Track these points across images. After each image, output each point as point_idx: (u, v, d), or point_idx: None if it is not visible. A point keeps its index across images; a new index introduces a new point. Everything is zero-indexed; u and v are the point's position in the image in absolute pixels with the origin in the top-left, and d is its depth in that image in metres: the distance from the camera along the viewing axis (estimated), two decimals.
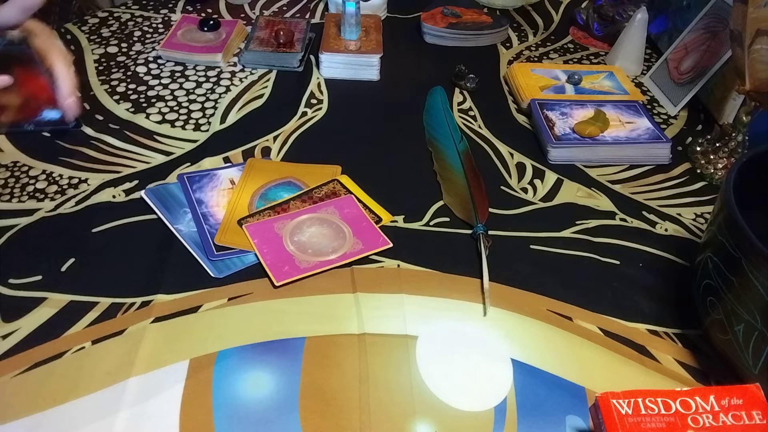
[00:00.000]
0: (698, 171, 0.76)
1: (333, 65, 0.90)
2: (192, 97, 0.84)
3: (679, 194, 0.73)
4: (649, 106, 0.88)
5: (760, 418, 0.42)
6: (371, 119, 0.83)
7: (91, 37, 0.96)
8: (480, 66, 0.94)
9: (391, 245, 0.62)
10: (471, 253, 0.63)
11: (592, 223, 0.68)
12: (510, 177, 0.74)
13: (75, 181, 0.69)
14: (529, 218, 0.68)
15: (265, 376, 0.50)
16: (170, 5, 1.07)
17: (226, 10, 1.07)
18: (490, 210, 0.68)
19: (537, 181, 0.73)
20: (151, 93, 0.84)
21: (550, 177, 0.74)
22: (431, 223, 0.66)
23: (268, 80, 0.89)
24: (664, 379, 0.52)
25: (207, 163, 0.72)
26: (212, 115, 0.81)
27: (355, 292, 0.58)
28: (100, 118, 0.79)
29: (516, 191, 0.72)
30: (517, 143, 0.79)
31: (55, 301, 0.55)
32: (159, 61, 0.91)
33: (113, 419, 0.46)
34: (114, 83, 0.86)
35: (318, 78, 0.90)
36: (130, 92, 0.84)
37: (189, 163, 0.72)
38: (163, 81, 0.87)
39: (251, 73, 0.90)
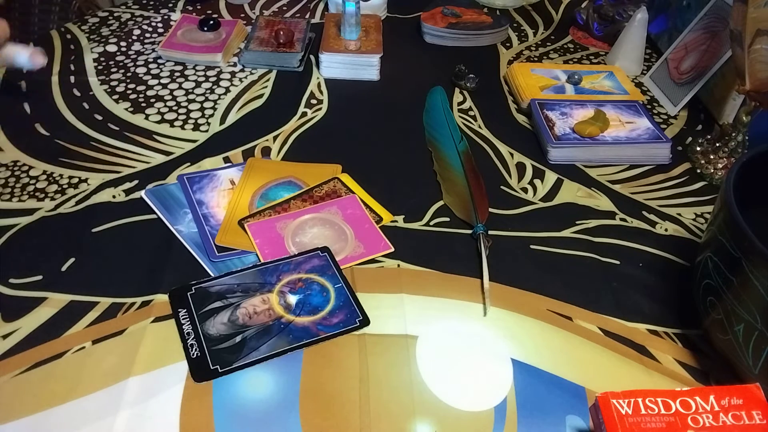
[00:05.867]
0: (698, 171, 0.76)
1: (333, 65, 0.90)
2: (191, 96, 0.84)
3: (679, 194, 0.73)
4: (649, 106, 0.88)
5: (760, 418, 0.42)
6: (371, 119, 0.83)
7: (91, 37, 0.96)
8: (480, 66, 0.94)
9: (392, 249, 0.62)
10: (471, 253, 0.63)
11: (592, 223, 0.68)
12: (510, 177, 0.74)
13: (75, 180, 0.69)
14: (529, 218, 0.68)
15: (265, 376, 0.50)
16: (170, 5, 1.07)
17: (226, 10, 1.07)
18: (490, 210, 0.68)
19: (537, 181, 0.73)
20: (150, 93, 0.84)
21: (550, 177, 0.74)
22: (431, 223, 0.66)
23: (268, 80, 0.89)
24: (664, 379, 0.52)
25: (207, 163, 0.72)
26: (212, 115, 0.81)
27: (355, 291, 0.58)
28: (100, 118, 0.79)
29: (516, 191, 0.72)
30: (517, 143, 0.79)
31: (56, 301, 0.55)
32: (159, 60, 0.91)
33: (113, 419, 0.46)
34: (113, 83, 0.85)
35: (318, 78, 0.90)
36: (129, 92, 0.84)
37: (189, 163, 0.72)
38: (163, 81, 0.87)
39: (251, 73, 0.90)
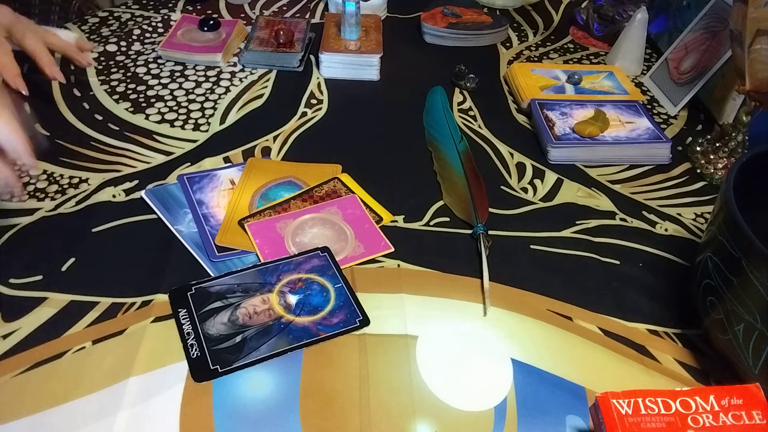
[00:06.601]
0: (698, 171, 0.76)
1: (333, 65, 0.90)
2: (191, 96, 0.84)
3: (679, 194, 0.73)
4: (649, 106, 0.88)
5: (760, 418, 0.42)
6: (371, 119, 0.83)
7: (91, 37, 0.96)
8: (480, 66, 0.94)
9: (392, 249, 0.62)
10: (471, 253, 0.63)
11: (592, 223, 0.68)
12: (510, 177, 0.74)
13: (75, 180, 0.69)
14: (529, 218, 0.68)
15: (265, 376, 0.50)
16: (170, 5, 1.07)
17: (226, 10, 1.07)
18: (490, 210, 0.68)
19: (537, 181, 0.73)
20: (150, 93, 0.84)
21: (550, 177, 0.74)
22: (431, 223, 0.66)
23: (268, 80, 0.89)
24: (664, 379, 0.52)
25: (207, 163, 0.72)
26: (212, 115, 0.81)
27: (355, 291, 0.58)
28: (100, 117, 0.79)
29: (516, 191, 0.72)
30: (517, 143, 0.79)
31: (56, 301, 0.55)
32: (159, 60, 0.91)
33: (113, 419, 0.46)
34: (114, 83, 0.85)
35: (318, 78, 0.90)
36: (129, 92, 0.84)
37: (189, 163, 0.72)
38: (163, 81, 0.87)
39: (251, 73, 0.90)
